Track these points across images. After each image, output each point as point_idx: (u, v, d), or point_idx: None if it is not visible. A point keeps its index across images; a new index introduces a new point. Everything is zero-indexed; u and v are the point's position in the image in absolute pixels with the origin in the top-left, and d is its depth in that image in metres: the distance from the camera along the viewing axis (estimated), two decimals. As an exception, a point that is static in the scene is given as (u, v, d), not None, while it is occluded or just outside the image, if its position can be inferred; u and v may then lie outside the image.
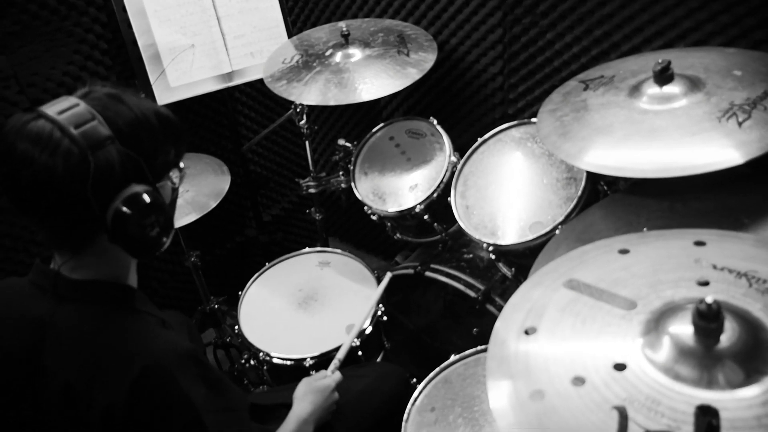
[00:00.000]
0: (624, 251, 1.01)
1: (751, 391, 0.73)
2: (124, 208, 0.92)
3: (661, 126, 1.20)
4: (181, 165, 1.09)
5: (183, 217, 1.78)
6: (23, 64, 1.79)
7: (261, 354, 1.63)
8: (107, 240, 0.95)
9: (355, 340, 1.60)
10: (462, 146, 1.81)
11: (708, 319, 0.77)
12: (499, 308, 1.66)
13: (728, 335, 0.78)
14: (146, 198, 0.94)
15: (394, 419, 1.44)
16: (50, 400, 0.99)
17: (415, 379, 1.89)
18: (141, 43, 1.92)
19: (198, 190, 1.86)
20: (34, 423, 1.03)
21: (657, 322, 0.84)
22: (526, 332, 0.90)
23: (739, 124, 1.13)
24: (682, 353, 0.79)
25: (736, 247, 0.97)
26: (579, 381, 0.80)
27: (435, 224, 1.76)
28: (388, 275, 1.68)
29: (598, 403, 0.76)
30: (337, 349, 1.52)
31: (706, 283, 0.89)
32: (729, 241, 0.98)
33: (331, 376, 1.43)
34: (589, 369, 0.82)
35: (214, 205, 1.83)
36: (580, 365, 0.83)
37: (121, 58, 2.00)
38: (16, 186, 0.93)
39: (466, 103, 2.09)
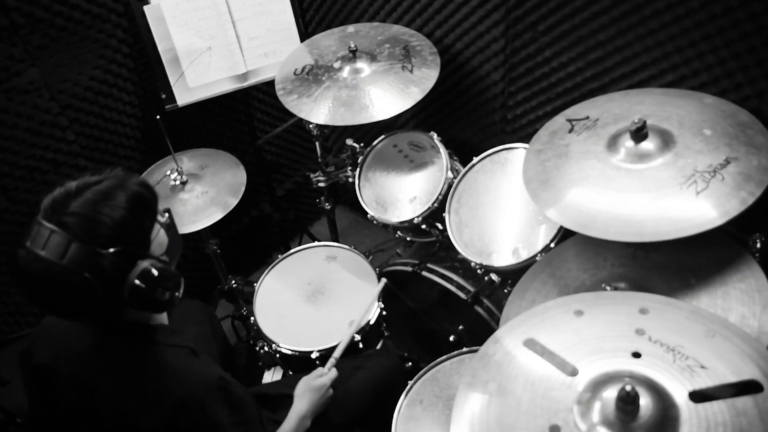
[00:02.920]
0: (579, 313, 1.18)
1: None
2: (134, 286, 1.12)
3: (630, 186, 1.32)
4: (162, 212, 1.25)
5: (207, 218, 1.94)
6: (53, 73, 1.92)
7: (273, 345, 1.86)
8: None
9: (356, 335, 1.81)
10: (462, 142, 1.91)
11: (626, 402, 0.95)
12: (486, 309, 1.85)
13: (644, 412, 0.97)
14: (148, 274, 1.13)
15: (386, 406, 1.67)
16: (103, 422, 1.22)
17: (410, 363, 2.13)
18: (161, 47, 2.03)
19: (218, 190, 2.02)
20: None
21: (591, 392, 1.03)
22: (486, 386, 1.10)
23: (697, 193, 1.26)
24: (605, 423, 0.98)
25: (673, 317, 1.13)
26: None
27: (431, 230, 1.93)
28: (383, 282, 1.87)
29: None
30: (335, 347, 1.73)
31: (638, 355, 1.07)
32: (669, 311, 1.14)
33: (327, 375, 1.62)
34: (530, 428, 1.02)
35: (235, 202, 1.98)
36: (524, 424, 1.03)
37: (142, 60, 2.11)
38: (57, 313, 1.18)
39: (468, 103, 2.19)
